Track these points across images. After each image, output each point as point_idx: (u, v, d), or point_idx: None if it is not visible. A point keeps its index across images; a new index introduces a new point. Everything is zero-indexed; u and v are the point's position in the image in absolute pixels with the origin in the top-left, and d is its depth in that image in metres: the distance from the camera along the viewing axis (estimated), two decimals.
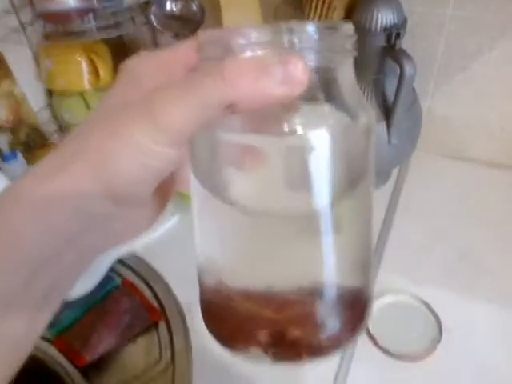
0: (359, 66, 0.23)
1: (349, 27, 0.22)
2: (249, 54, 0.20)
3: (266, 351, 0.24)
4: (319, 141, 0.21)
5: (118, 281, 0.57)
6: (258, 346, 0.24)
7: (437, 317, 0.53)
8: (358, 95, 0.24)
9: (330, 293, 0.24)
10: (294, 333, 0.25)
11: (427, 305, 0.54)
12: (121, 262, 0.59)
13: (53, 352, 0.52)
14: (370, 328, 0.52)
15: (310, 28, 0.20)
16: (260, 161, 0.22)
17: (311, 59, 0.20)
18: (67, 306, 0.54)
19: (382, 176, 0.69)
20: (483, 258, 0.60)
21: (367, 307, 0.27)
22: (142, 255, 0.60)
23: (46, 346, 0.53)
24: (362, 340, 0.52)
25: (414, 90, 0.62)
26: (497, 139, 0.72)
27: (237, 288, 0.25)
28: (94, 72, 0.73)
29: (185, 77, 0.21)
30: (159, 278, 0.57)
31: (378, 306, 0.54)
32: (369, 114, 0.23)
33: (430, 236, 0.62)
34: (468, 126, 0.72)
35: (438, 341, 0.51)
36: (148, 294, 0.56)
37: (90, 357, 0.51)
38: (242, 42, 0.20)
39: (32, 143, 0.72)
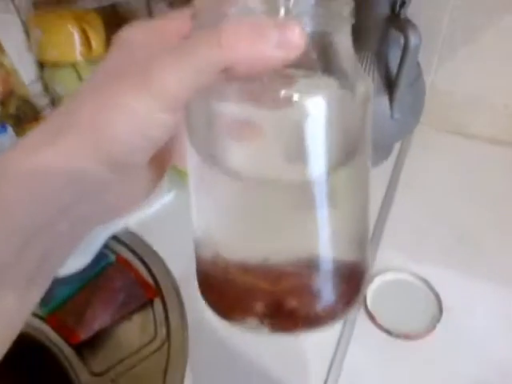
0: (361, 36, 0.22)
1: None
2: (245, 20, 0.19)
3: (262, 322, 0.25)
4: (315, 108, 0.20)
5: (113, 258, 0.56)
6: (254, 316, 0.25)
7: (437, 295, 0.52)
8: (356, 65, 0.23)
9: (326, 265, 0.25)
10: (291, 304, 0.25)
11: (427, 283, 0.53)
12: (115, 238, 0.58)
13: (46, 329, 0.51)
14: (369, 306, 0.51)
15: None
16: (256, 131, 0.22)
17: (307, 24, 0.20)
18: (60, 282, 0.53)
19: (384, 151, 0.68)
20: (484, 236, 0.59)
21: (363, 280, 0.27)
22: (137, 232, 0.58)
23: (38, 323, 0.52)
24: (360, 318, 0.51)
25: (418, 64, 0.60)
26: (500, 115, 0.70)
27: (234, 260, 0.25)
28: (87, 43, 0.71)
29: (179, 43, 0.20)
30: (154, 254, 0.56)
31: (377, 284, 0.53)
32: (367, 84, 0.23)
33: (431, 213, 0.61)
34: (471, 101, 0.70)
35: (438, 319, 0.50)
36: (143, 270, 0.55)
37: (83, 334, 0.50)
38: (238, 9, 0.20)
39: (23, 116, 0.70)
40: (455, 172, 0.67)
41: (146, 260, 0.56)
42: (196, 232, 0.26)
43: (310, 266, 0.24)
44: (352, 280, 0.26)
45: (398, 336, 0.49)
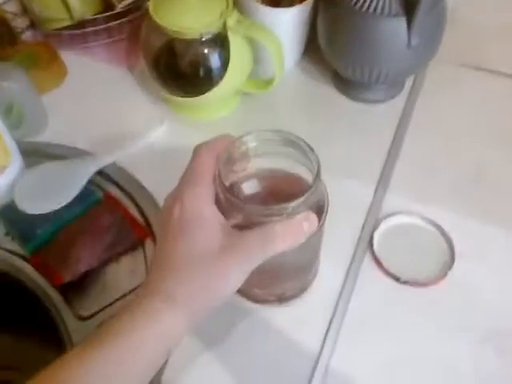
0: None
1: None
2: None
3: None
4: None
5: (100, 195, 0.52)
6: None
7: (449, 240, 0.49)
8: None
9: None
10: None
11: (439, 227, 0.49)
12: (102, 174, 0.53)
13: (29, 270, 0.48)
14: (376, 250, 0.48)
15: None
16: None
17: None
18: (43, 219, 0.48)
19: (395, 86, 0.62)
20: (500, 179, 0.54)
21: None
22: (126, 167, 0.54)
23: (20, 263, 0.48)
24: (366, 263, 0.47)
25: None
26: None
27: None
28: None
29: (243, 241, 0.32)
30: (145, 191, 0.52)
31: (384, 228, 0.50)
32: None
33: (444, 155, 0.57)
34: (493, 34, 0.64)
35: (450, 266, 0.47)
36: (133, 209, 0.51)
37: (68, 276, 0.46)
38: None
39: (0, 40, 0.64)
40: (472, 111, 0.61)
41: (136, 198, 0.52)
42: None
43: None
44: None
45: (405, 282, 0.46)
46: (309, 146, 0.33)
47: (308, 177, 0.34)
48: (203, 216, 0.32)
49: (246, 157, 0.35)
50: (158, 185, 0.49)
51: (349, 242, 0.49)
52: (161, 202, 0.49)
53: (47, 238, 0.48)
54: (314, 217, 0.33)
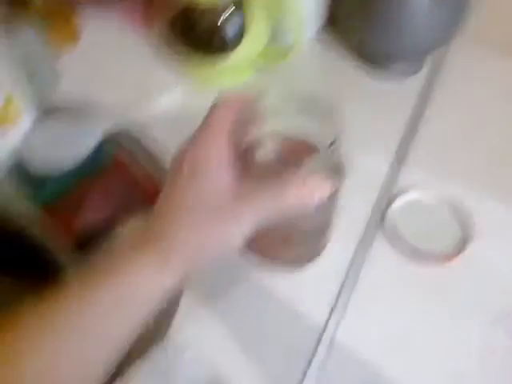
0: None
1: None
2: None
3: None
4: None
5: (109, 159, 0.51)
6: None
7: (465, 219, 0.47)
8: None
9: None
10: None
11: (455, 205, 0.48)
12: (112, 137, 0.52)
13: (36, 227, 0.47)
14: (390, 224, 0.47)
15: None
16: None
17: None
18: (51, 180, 0.48)
19: (415, 62, 0.60)
20: None
21: None
22: (138, 130, 0.53)
23: (26, 221, 0.48)
24: (379, 237, 0.46)
25: None
26: None
27: None
28: None
29: (248, 190, 0.30)
30: (155, 155, 0.51)
31: (399, 204, 0.49)
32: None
33: (463, 133, 0.55)
34: None
35: (464, 245, 0.45)
36: (142, 174, 0.50)
37: (75, 240, 0.45)
38: None
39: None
40: (492, 92, 0.59)
41: (147, 163, 0.51)
42: None
43: None
44: None
45: (419, 259, 0.45)
46: (331, 104, 0.32)
47: (327, 140, 0.33)
48: (213, 170, 0.30)
49: (262, 116, 0.34)
50: (168, 150, 0.48)
51: (363, 214, 0.48)
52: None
53: (55, 198, 0.48)
54: (326, 183, 0.32)
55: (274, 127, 0.35)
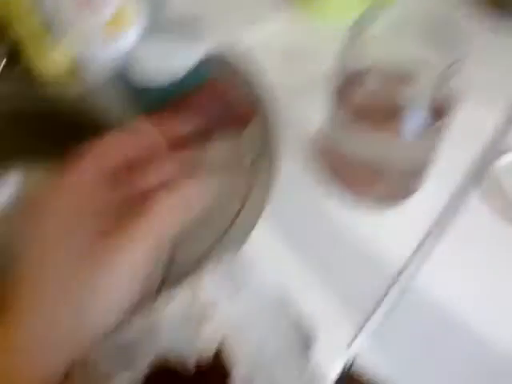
0: None
1: None
2: None
3: None
4: None
5: (206, 78, 0.51)
6: None
7: None
8: None
9: None
10: None
11: None
12: (212, 57, 0.52)
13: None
14: (491, 182, 0.43)
15: None
16: None
17: None
18: (150, 89, 0.49)
19: None
20: None
21: None
22: (238, 54, 0.52)
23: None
24: (478, 194, 0.43)
25: None
26: None
27: None
28: None
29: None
30: (252, 81, 0.50)
31: (504, 162, 0.44)
32: None
33: None
34: None
35: None
36: (237, 97, 0.50)
37: None
38: None
39: None
40: None
41: (242, 87, 0.50)
42: None
43: None
44: None
45: None
46: (460, 27, 0.29)
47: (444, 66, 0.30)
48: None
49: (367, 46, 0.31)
50: (265, 77, 0.47)
51: (464, 165, 0.45)
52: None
53: (152, 108, 0.49)
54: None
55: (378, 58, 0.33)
